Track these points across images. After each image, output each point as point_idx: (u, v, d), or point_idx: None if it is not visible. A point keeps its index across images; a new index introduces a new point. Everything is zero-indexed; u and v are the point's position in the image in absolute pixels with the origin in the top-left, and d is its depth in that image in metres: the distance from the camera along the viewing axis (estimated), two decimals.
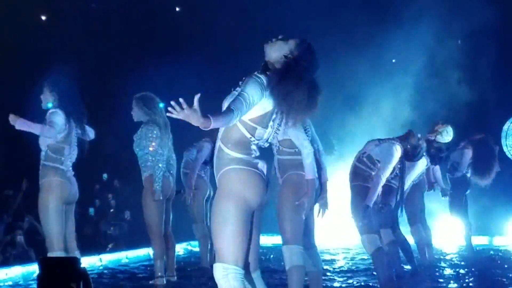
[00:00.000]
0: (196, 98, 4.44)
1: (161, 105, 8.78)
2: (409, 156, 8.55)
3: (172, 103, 4.43)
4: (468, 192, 11.45)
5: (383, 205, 8.41)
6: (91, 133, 8.03)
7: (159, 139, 8.66)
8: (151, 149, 8.61)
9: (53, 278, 4.73)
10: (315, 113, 4.93)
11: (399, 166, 8.21)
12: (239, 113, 4.66)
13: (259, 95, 4.73)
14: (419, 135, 8.61)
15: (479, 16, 13.65)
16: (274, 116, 4.88)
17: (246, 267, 4.78)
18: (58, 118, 7.51)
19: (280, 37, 4.98)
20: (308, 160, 6.42)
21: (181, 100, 4.41)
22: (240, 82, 4.84)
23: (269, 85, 4.76)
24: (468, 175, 11.19)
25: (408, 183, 9.13)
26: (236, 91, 4.81)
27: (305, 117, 5.07)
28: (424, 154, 9.15)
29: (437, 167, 10.42)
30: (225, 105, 4.81)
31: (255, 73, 4.84)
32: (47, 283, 4.73)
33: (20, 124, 7.31)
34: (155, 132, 8.66)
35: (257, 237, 4.97)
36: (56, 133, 7.45)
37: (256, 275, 4.98)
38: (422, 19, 13.81)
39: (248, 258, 4.84)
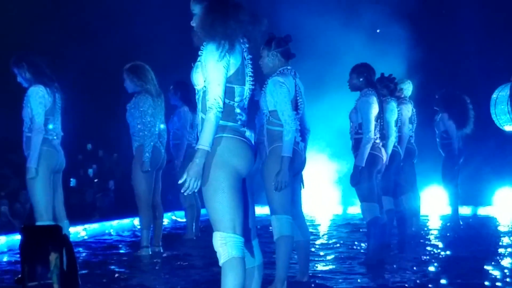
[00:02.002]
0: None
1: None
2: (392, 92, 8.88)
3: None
4: (461, 161, 11.56)
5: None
6: None
7: (152, 109, 8.64)
8: (146, 118, 8.58)
9: (35, 246, 4.68)
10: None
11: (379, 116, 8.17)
12: (218, 102, 4.61)
13: (225, 61, 4.65)
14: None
15: None
16: (246, 69, 4.82)
17: (245, 235, 4.72)
18: (33, 98, 7.46)
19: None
20: (287, 137, 6.43)
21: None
22: (200, 52, 4.74)
23: (214, 32, 4.67)
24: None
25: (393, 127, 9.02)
26: (199, 62, 4.72)
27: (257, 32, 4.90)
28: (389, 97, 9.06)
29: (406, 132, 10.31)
30: (195, 81, 4.74)
31: (207, 44, 4.72)
32: (29, 251, 4.68)
33: (32, 163, 7.40)
34: (147, 102, 8.63)
35: (251, 205, 4.93)
36: (39, 122, 7.42)
37: (254, 244, 4.94)
38: None
39: (247, 226, 4.80)
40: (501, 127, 10.59)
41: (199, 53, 4.74)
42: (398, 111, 9.39)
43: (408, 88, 10.35)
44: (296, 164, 6.63)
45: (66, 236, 4.92)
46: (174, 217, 12.94)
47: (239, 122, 4.76)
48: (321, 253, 9.16)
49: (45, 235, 4.78)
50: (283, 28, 7.00)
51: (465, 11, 14.43)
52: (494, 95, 10.49)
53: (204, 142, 4.60)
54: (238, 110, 4.77)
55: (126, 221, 11.85)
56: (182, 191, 4.64)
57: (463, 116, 11.34)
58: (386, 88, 9.10)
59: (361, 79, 8.22)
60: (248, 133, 4.81)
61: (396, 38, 13.75)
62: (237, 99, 4.77)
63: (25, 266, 4.65)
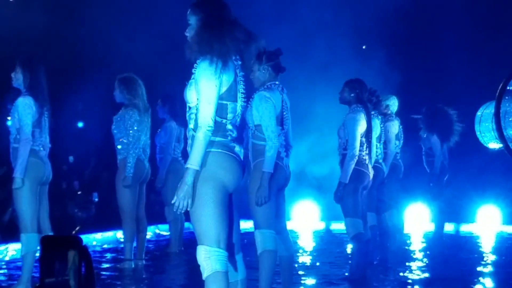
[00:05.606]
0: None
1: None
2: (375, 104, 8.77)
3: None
4: (446, 178, 11.57)
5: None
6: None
7: (137, 123, 8.64)
8: (131, 131, 8.58)
9: (55, 257, 4.66)
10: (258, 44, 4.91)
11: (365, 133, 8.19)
12: (208, 121, 4.61)
13: (217, 79, 4.65)
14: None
15: None
16: (239, 85, 4.82)
17: (229, 249, 4.73)
18: (21, 109, 7.39)
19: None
20: (269, 153, 6.44)
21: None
22: (193, 70, 4.75)
23: (211, 49, 4.66)
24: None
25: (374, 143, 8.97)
26: (193, 79, 4.72)
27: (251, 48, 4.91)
28: (374, 113, 8.92)
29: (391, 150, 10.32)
30: (188, 98, 4.75)
31: (200, 61, 4.71)
32: (49, 262, 4.66)
33: (18, 173, 7.31)
34: (133, 116, 8.63)
35: (237, 220, 4.94)
36: (27, 132, 7.36)
37: (237, 258, 4.95)
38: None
39: (231, 240, 4.82)
40: (485, 145, 10.62)
41: (193, 70, 4.74)
42: (385, 128, 9.43)
43: (394, 104, 10.36)
44: (280, 179, 6.63)
45: (86, 247, 4.90)
46: (157, 231, 12.90)
47: (229, 138, 4.77)
48: (305, 268, 9.15)
49: (64, 246, 4.76)
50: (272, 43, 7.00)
51: (448, 29, 14.52)
52: (478, 113, 10.49)
53: (193, 161, 4.60)
54: (229, 127, 4.78)
55: (109, 234, 11.79)
56: (174, 210, 4.64)
57: (447, 129, 11.33)
58: (369, 102, 9.12)
59: (352, 95, 8.24)
60: (237, 148, 4.82)
61: (381, 54, 13.80)
62: (229, 116, 4.77)
63: (45, 277, 4.62)
